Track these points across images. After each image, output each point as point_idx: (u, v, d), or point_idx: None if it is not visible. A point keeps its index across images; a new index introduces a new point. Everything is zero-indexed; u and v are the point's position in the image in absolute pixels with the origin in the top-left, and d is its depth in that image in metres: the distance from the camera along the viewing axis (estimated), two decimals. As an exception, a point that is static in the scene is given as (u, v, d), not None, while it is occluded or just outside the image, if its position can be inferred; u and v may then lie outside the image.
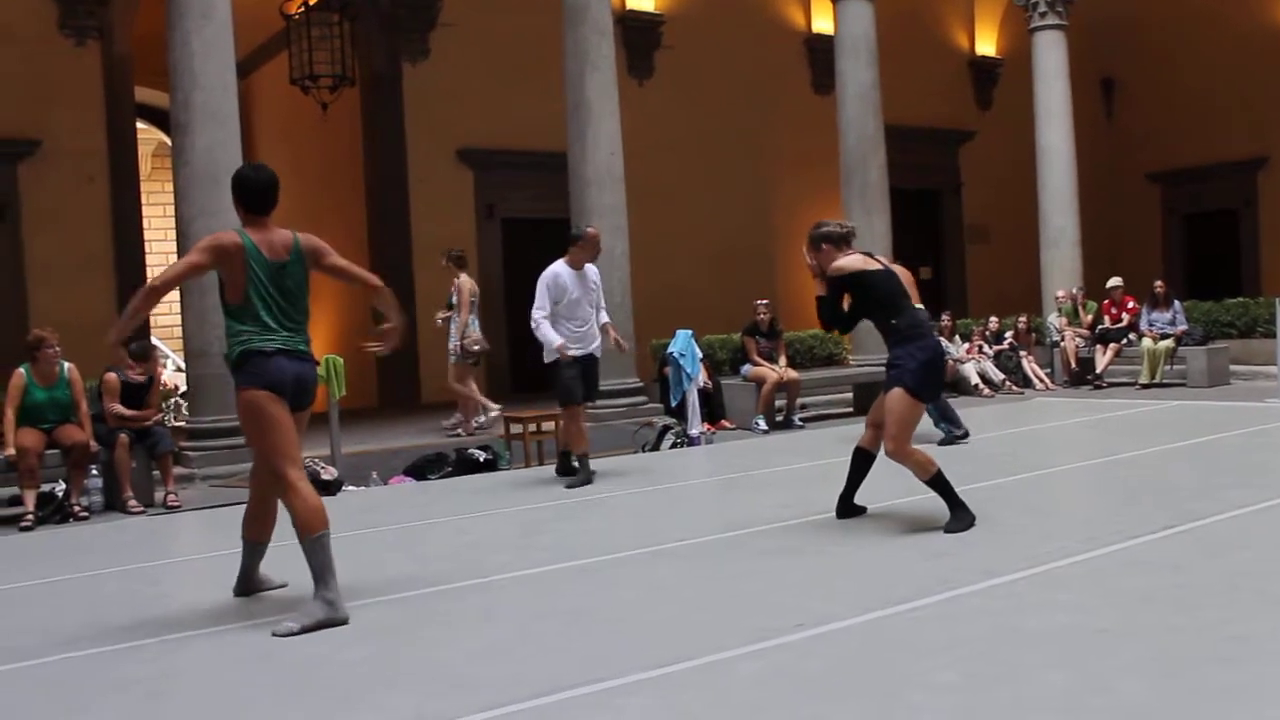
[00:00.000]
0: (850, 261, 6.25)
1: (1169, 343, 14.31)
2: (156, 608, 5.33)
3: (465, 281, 11.76)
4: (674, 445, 10.91)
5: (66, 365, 8.81)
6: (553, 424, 9.96)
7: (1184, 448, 9.00)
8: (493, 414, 11.59)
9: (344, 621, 4.72)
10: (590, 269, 8.86)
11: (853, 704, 3.51)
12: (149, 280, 5.36)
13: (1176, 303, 14.82)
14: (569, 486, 8.44)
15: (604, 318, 8.98)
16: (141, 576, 6.28)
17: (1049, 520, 6.38)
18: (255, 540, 5.34)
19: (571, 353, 8.53)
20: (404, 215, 16.55)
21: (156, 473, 9.12)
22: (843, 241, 6.37)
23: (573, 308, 8.66)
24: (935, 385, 6.32)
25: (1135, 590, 4.65)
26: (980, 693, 3.53)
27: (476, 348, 11.65)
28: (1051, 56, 16.71)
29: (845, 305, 6.37)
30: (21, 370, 8.67)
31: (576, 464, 8.64)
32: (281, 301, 5.03)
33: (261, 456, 5.07)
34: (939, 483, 6.04)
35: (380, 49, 16.61)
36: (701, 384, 11.81)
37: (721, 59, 18.31)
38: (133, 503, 8.72)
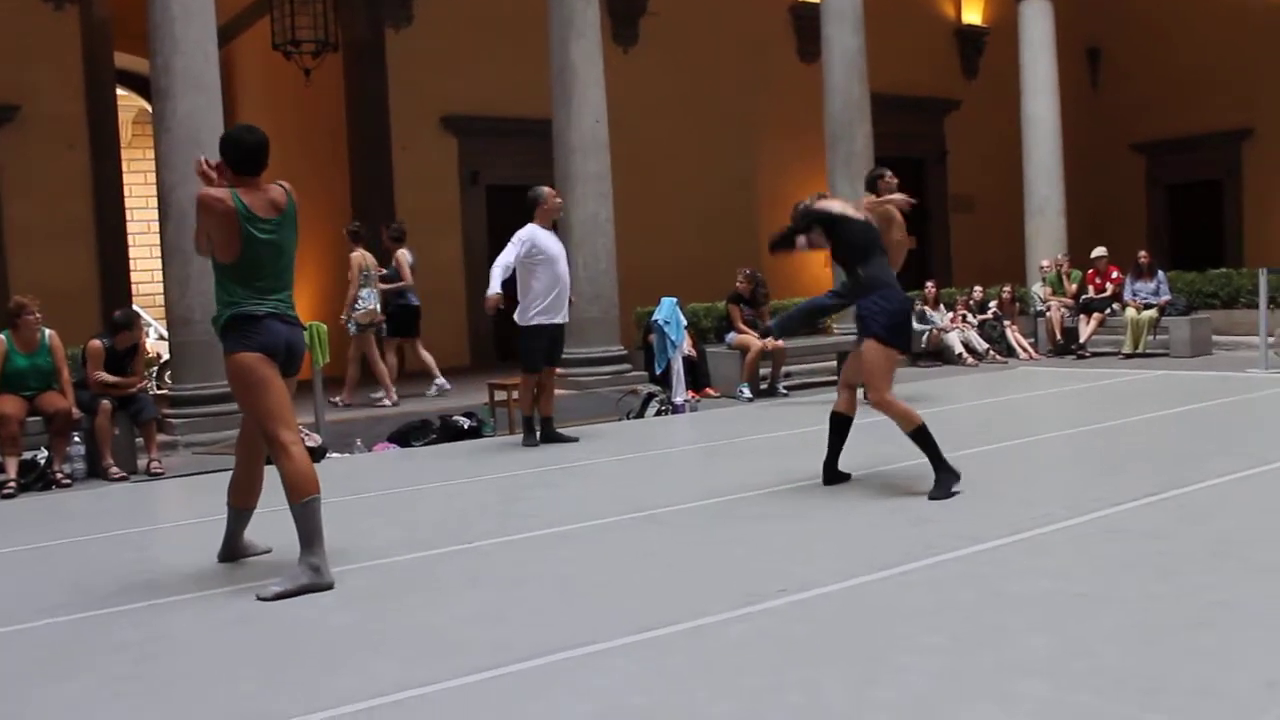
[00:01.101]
0: (833, 204, 6.36)
1: (1152, 313, 14.37)
2: (141, 573, 5.33)
3: (356, 256, 11.72)
4: (658, 413, 10.92)
5: (48, 332, 8.75)
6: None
7: (1166, 416, 9.05)
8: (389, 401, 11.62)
9: (329, 587, 4.73)
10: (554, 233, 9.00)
11: (838, 667, 3.53)
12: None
13: (1160, 273, 14.87)
14: (526, 445, 8.84)
15: None
16: (126, 542, 6.27)
17: (1032, 488, 6.42)
18: (241, 507, 5.33)
19: (538, 322, 8.73)
20: (387, 183, 16.46)
21: (140, 440, 9.09)
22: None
23: (550, 265, 8.74)
24: (904, 333, 6.38)
25: (1117, 557, 4.69)
26: (964, 656, 3.56)
27: (366, 320, 11.62)
28: (1038, 26, 16.69)
29: (805, 241, 6.48)
30: (2, 337, 8.62)
31: (538, 427, 8.93)
32: (273, 261, 4.99)
33: (254, 420, 5.04)
34: (922, 437, 6.05)
35: (363, 15, 16.47)
36: (686, 352, 11.81)
37: (707, 26, 18.23)
38: (114, 470, 8.70)
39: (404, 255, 12.03)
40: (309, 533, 4.78)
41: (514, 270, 8.72)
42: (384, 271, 11.99)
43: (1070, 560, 4.72)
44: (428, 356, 12.19)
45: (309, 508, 4.79)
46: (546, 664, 3.70)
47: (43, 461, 8.57)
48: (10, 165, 14.38)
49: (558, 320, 8.90)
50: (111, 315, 9.69)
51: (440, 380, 12.07)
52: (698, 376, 12.25)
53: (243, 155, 5.05)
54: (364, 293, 11.64)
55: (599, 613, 4.25)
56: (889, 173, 10.30)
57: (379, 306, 11.75)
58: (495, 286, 8.66)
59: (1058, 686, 3.26)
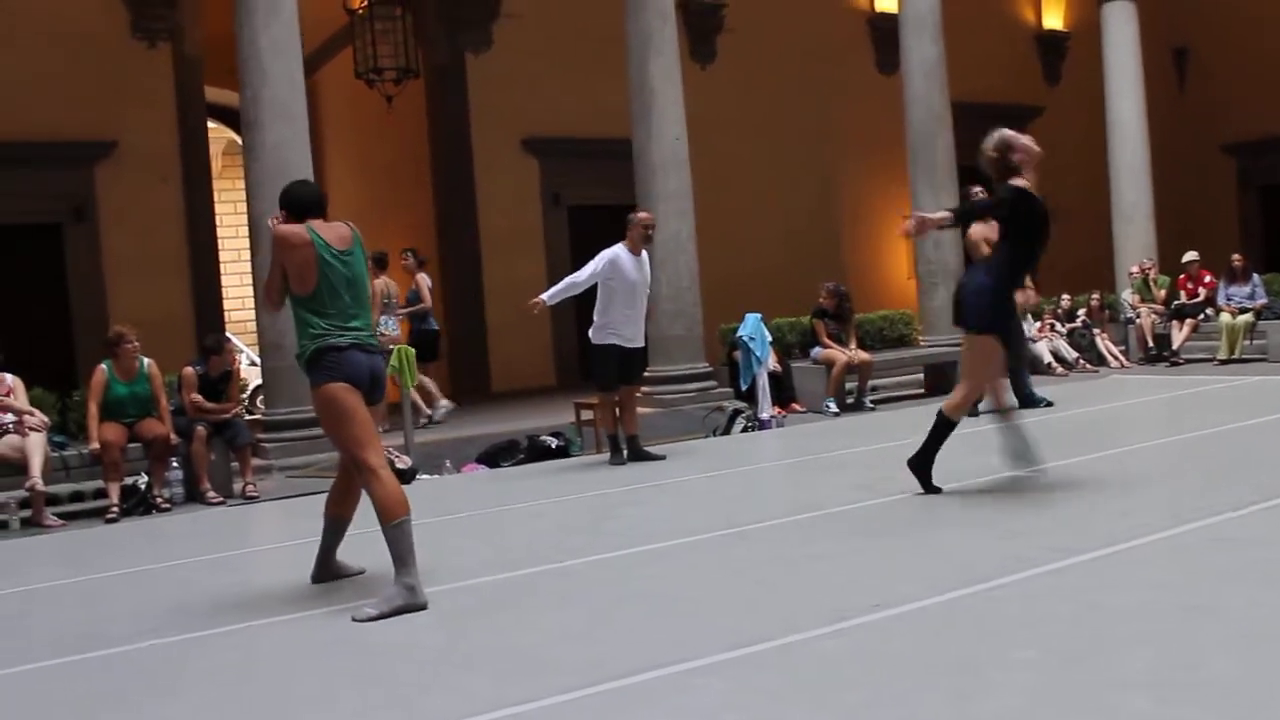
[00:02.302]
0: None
1: (1248, 317, 14.02)
2: (239, 595, 5.43)
3: (379, 283, 11.91)
4: (745, 429, 10.89)
5: (146, 360, 8.99)
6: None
7: (1266, 423, 8.81)
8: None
9: (423, 607, 4.78)
10: (646, 259, 8.97)
11: (933, 682, 3.49)
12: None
13: (1255, 276, 14.51)
14: (613, 463, 8.86)
15: None
16: (223, 565, 6.40)
17: (1129, 497, 6.28)
18: (335, 515, 5.43)
19: (610, 341, 8.74)
20: (471, 206, 16.66)
21: (235, 464, 9.28)
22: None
23: (629, 294, 8.75)
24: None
25: (1220, 566, 4.57)
26: (1063, 670, 3.49)
27: (390, 347, 11.73)
28: (1121, 28, 16.43)
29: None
30: (103, 366, 8.87)
31: (624, 445, 8.93)
32: (348, 289, 5.12)
33: (342, 448, 5.15)
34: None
35: (443, 41, 16.72)
36: (771, 367, 11.77)
37: (784, 40, 18.19)
38: (211, 494, 8.89)
39: (424, 280, 12.29)
40: (401, 554, 4.84)
41: (594, 285, 8.79)
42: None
43: (1171, 571, 4.61)
44: (430, 383, 12.44)
45: (400, 529, 4.86)
46: (638, 682, 3.70)
47: (143, 486, 8.79)
48: (108, 199, 14.78)
49: (632, 345, 8.89)
50: (204, 342, 9.94)
51: (444, 403, 12.30)
52: (783, 392, 12.19)
53: (302, 204, 5.28)
54: (384, 319, 11.83)
55: (690, 630, 4.24)
56: (977, 189, 10.55)
57: (399, 332, 11.93)
58: (547, 294, 8.89)
59: (1161, 700, 3.19)
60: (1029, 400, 10.64)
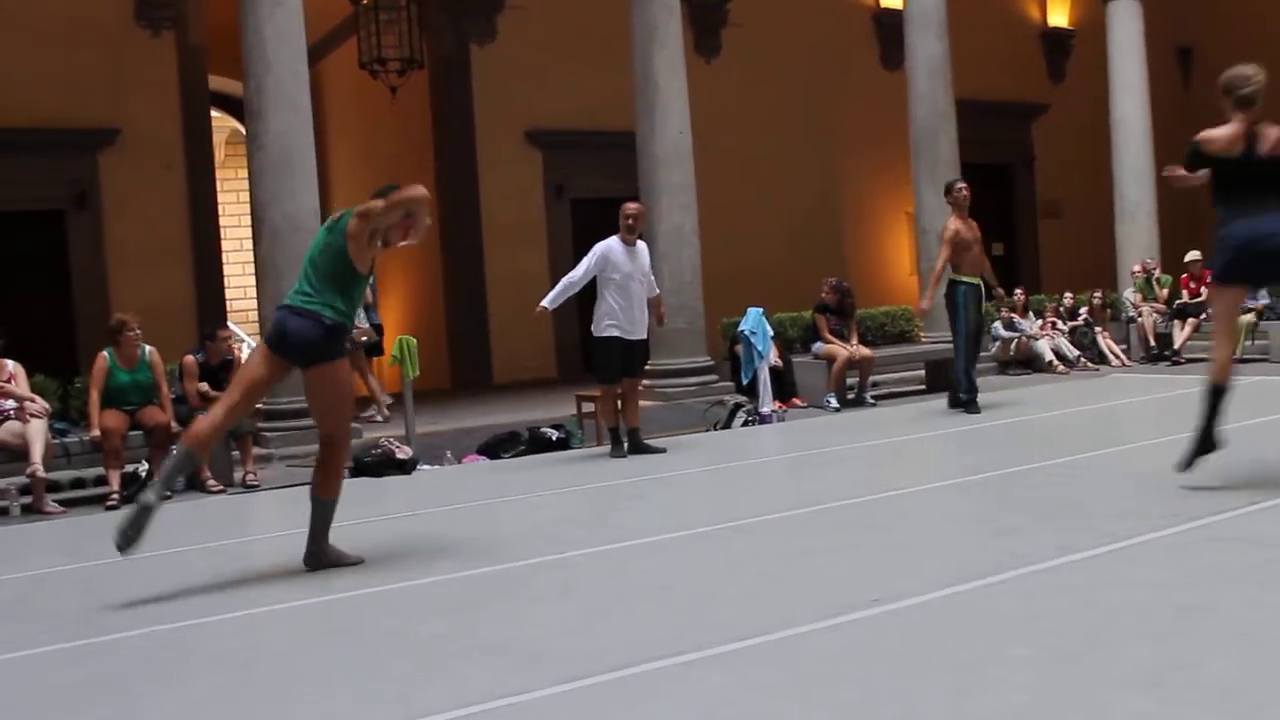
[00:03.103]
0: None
1: (1250, 317, 13.97)
2: (239, 583, 5.44)
3: None
4: (745, 423, 10.89)
5: (148, 348, 9.00)
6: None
7: (1266, 424, 8.81)
8: (380, 417, 11.68)
9: (150, 506, 5.23)
10: (642, 249, 8.99)
11: (930, 678, 3.49)
12: None
13: (1258, 276, 14.47)
14: (613, 456, 8.88)
15: (654, 290, 9.22)
16: (223, 553, 6.41)
17: (1126, 496, 6.27)
18: (321, 498, 5.53)
19: (611, 334, 8.79)
20: (474, 197, 16.66)
21: (236, 453, 9.28)
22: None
23: (624, 284, 8.81)
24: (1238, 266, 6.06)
25: (1219, 566, 4.57)
26: (1061, 668, 3.50)
27: (364, 339, 11.69)
28: (1126, 26, 16.40)
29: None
30: (105, 354, 8.87)
31: (625, 438, 8.97)
32: (312, 265, 5.52)
33: None
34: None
35: (448, 32, 16.71)
36: (772, 362, 11.77)
37: (789, 35, 18.18)
38: (212, 482, 8.89)
39: None
40: (164, 469, 5.33)
41: (593, 279, 8.83)
42: None
43: (1169, 570, 4.61)
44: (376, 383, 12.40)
45: (175, 452, 5.31)
46: (637, 674, 3.70)
47: (144, 474, 8.78)
48: (111, 187, 14.79)
49: (633, 337, 8.92)
50: (203, 329, 9.96)
51: (384, 404, 12.25)
52: (784, 386, 12.20)
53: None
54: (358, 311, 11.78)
55: (689, 623, 4.25)
56: (960, 184, 10.74)
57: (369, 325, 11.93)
58: (547, 299, 8.90)
59: (1160, 700, 3.19)
60: (956, 399, 10.35)
